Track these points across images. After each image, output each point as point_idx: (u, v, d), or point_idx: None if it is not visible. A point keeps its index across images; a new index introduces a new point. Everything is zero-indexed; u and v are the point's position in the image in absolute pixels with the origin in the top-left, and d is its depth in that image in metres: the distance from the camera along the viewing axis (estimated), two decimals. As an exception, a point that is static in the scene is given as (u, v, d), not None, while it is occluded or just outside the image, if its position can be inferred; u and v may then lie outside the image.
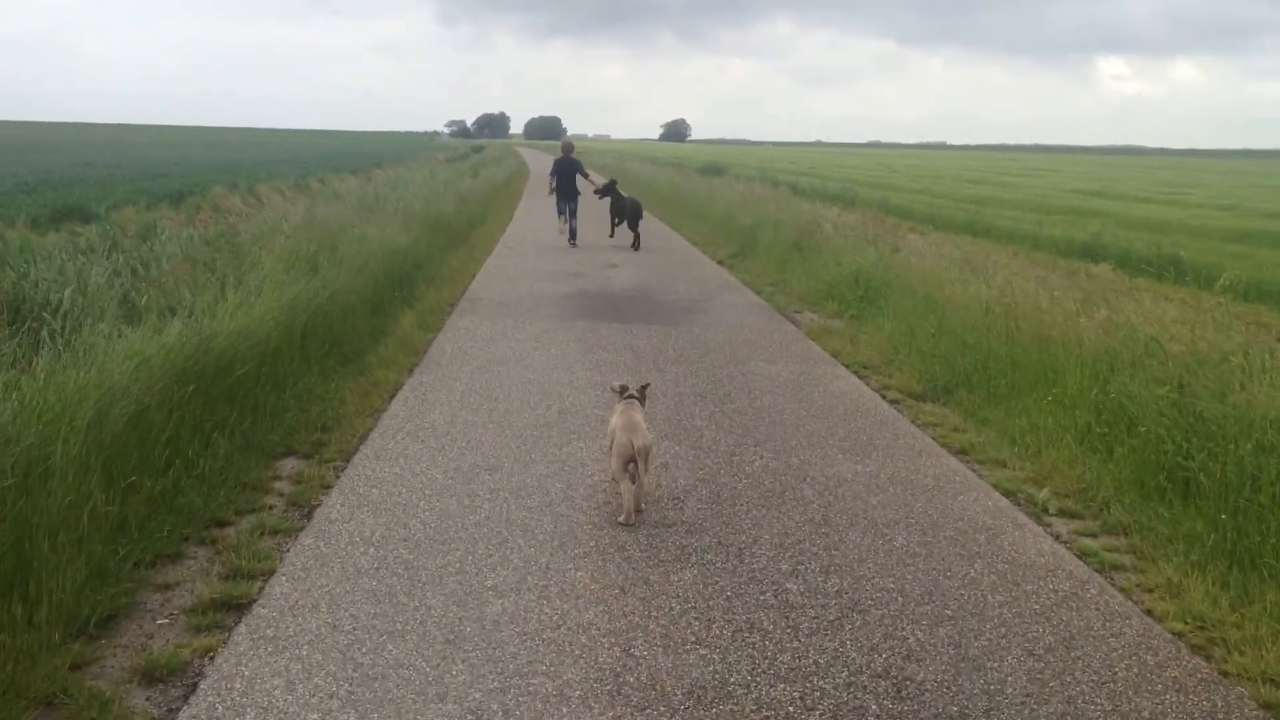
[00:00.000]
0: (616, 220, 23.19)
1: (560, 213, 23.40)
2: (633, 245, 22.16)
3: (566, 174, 23.13)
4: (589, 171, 24.52)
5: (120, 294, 10.17)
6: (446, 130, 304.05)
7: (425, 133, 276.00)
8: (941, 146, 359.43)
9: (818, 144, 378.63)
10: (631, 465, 6.58)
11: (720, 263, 20.43)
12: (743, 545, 6.23)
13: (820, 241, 18.86)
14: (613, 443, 6.76)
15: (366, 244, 15.22)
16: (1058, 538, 6.60)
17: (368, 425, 8.56)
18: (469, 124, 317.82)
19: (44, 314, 8.34)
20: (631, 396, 7.23)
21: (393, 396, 9.50)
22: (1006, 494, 7.39)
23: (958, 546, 6.31)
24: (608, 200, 23.53)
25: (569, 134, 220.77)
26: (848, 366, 11.41)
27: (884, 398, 10.13)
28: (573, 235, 22.91)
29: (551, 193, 23.61)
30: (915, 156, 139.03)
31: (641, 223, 22.74)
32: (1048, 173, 72.43)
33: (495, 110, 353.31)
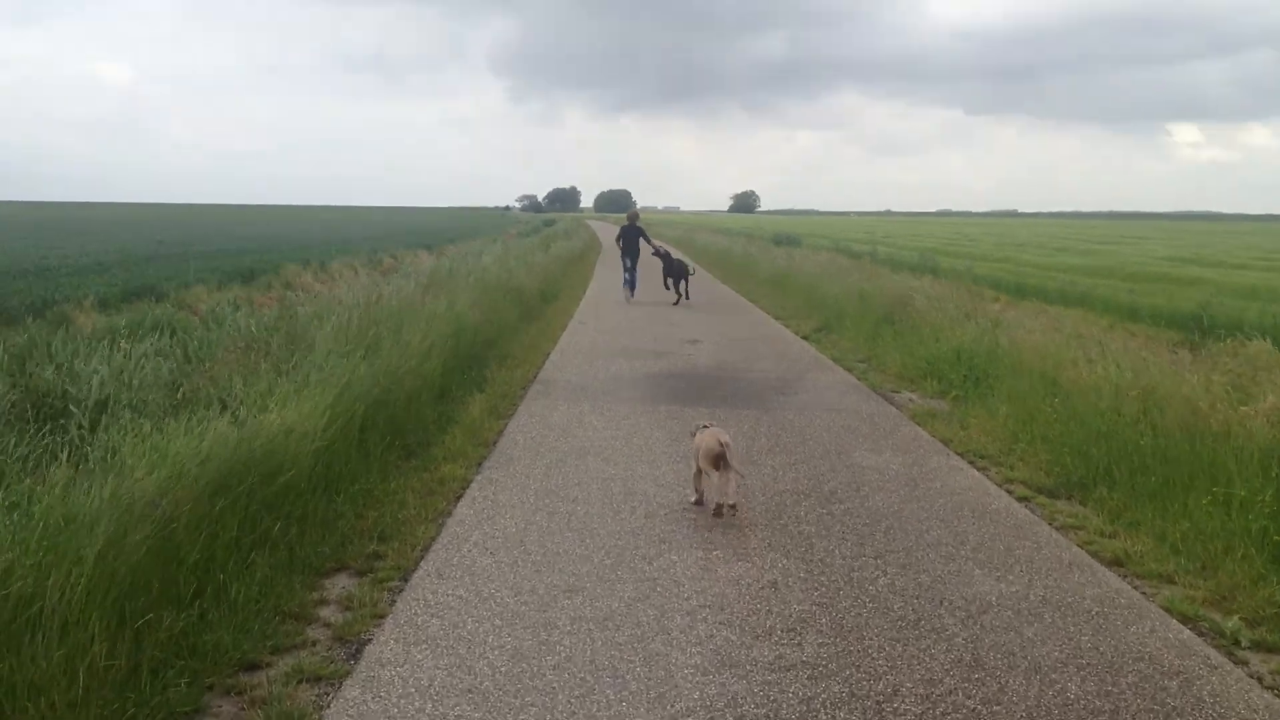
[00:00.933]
0: (669, 280, 26.38)
1: (624, 267, 27.03)
2: (682, 298, 25.75)
3: (631, 237, 27.06)
4: (649, 236, 27.93)
5: (169, 383, 9.36)
6: (518, 204, 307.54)
7: (497, 207, 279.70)
8: (1013, 214, 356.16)
9: (887, 213, 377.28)
10: (721, 461, 7.91)
11: (805, 338, 19.35)
12: (881, 697, 5.09)
13: (913, 315, 17.72)
14: (699, 450, 8.22)
15: (434, 322, 14.38)
16: (1261, 681, 5.39)
17: (430, 533, 7.56)
18: (540, 198, 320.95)
19: (71, 407, 7.49)
20: (719, 433, 8.25)
21: (459, 497, 8.50)
22: (1186, 621, 6.17)
23: (1147, 698, 5.11)
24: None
25: (638, 206, 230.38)
26: (962, 456, 10.24)
27: (1009, 493, 8.94)
28: (632, 288, 26.54)
29: (622, 259, 27.33)
30: (988, 224, 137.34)
31: (685, 282, 26.09)
32: (1134, 240, 70.48)
33: (566, 184, 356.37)
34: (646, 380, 14.25)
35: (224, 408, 8.38)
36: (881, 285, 21.60)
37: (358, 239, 61.46)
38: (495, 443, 10.43)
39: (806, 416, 11.94)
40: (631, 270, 26.74)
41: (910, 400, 13.40)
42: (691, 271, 26.78)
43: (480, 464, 9.58)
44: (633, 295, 26.18)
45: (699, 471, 8.27)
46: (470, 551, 7.17)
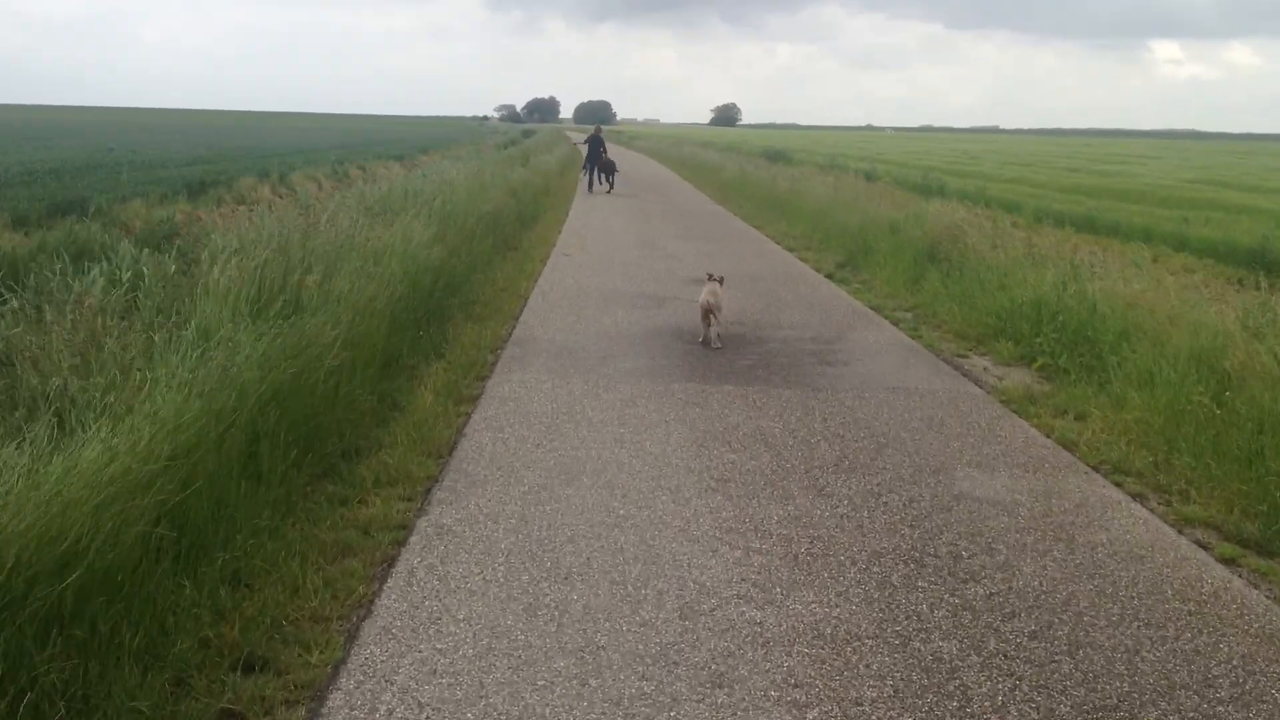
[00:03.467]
0: (606, 175, 33.71)
1: (586, 170, 34.37)
2: (608, 190, 33.15)
3: (594, 145, 33.57)
4: (605, 146, 34.17)
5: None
6: (496, 115, 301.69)
7: (475, 117, 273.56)
8: (994, 131, 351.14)
9: (868, 128, 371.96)
10: (710, 316, 11.01)
11: (831, 277, 16.34)
12: None
13: (965, 253, 14.71)
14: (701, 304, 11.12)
15: (382, 263, 11.31)
16: None
17: (335, 653, 4.61)
18: (519, 109, 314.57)
19: None
20: (715, 279, 11.48)
21: (388, 566, 5.53)
22: None
23: None
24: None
25: (618, 117, 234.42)
26: (1103, 473, 7.35)
27: (1204, 549, 6.07)
28: (589, 185, 33.60)
29: (584, 161, 34.95)
30: (977, 140, 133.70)
31: (613, 176, 33.68)
32: (1139, 159, 67.26)
33: (545, 95, 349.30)
34: (650, 340, 11.25)
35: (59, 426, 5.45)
36: (915, 213, 18.51)
37: (326, 148, 57.95)
38: (452, 450, 7.42)
39: (867, 401, 8.99)
40: (590, 170, 33.95)
41: (988, 371, 10.50)
42: (615, 170, 34.15)
43: (428, 493, 6.58)
44: (589, 191, 33.12)
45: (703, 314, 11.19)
46: (394, 701, 4.24)
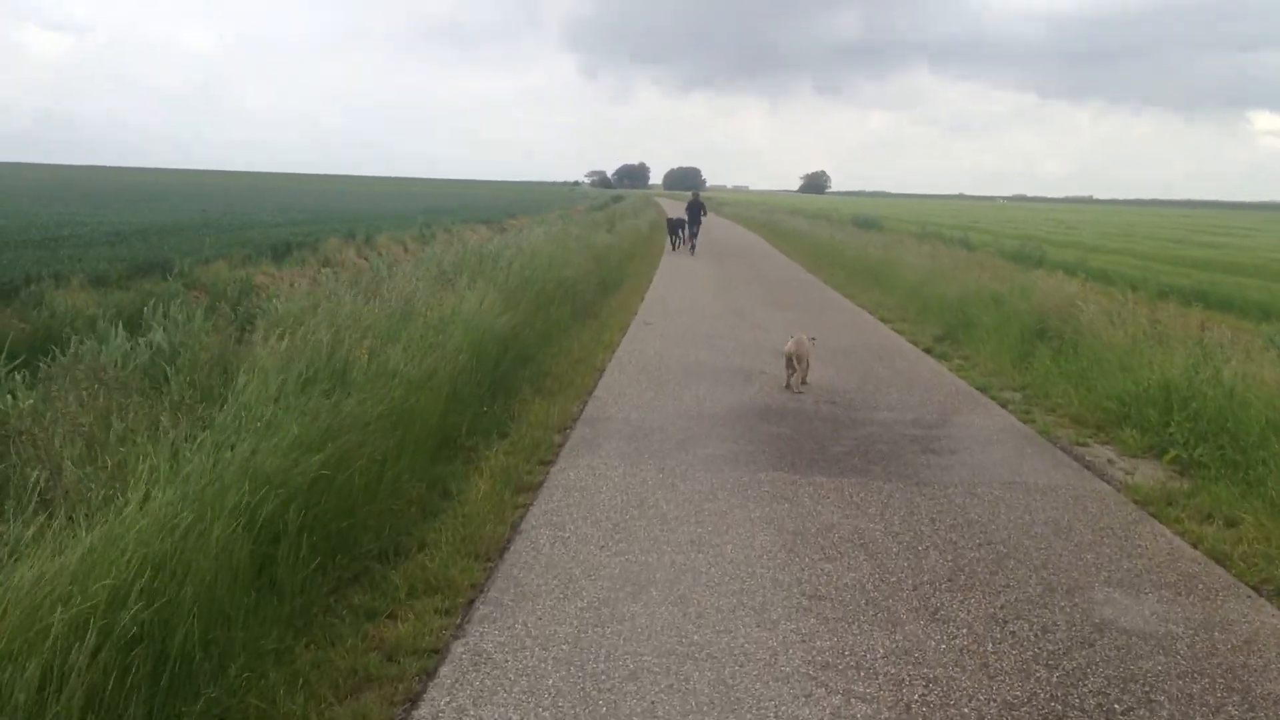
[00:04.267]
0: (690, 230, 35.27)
1: (674, 233, 36.13)
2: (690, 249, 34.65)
3: (694, 208, 34.95)
4: (703, 211, 35.93)
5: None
6: (587, 180, 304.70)
7: (566, 182, 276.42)
8: (1088, 200, 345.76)
9: (960, 196, 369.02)
10: (795, 363, 11.77)
11: (929, 352, 15.22)
12: None
13: (1079, 329, 13.51)
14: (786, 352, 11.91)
15: (447, 331, 10.52)
16: None
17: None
18: (609, 174, 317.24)
19: None
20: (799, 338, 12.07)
21: (413, 704, 4.57)
22: None
23: None
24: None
25: (708, 184, 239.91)
26: (1274, 601, 6.15)
27: None
28: (692, 246, 34.89)
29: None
30: (1071, 210, 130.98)
31: (695, 236, 35.12)
32: (1250, 231, 64.89)
33: (635, 160, 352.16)
34: (734, 420, 10.26)
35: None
36: (1020, 285, 17.33)
37: (416, 211, 58.22)
38: (503, 552, 6.48)
39: (981, 499, 7.89)
40: (693, 235, 34.96)
41: (1113, 463, 9.32)
42: (698, 223, 35.24)
43: (469, 607, 5.64)
44: (692, 251, 34.38)
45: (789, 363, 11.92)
46: None
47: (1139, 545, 6.97)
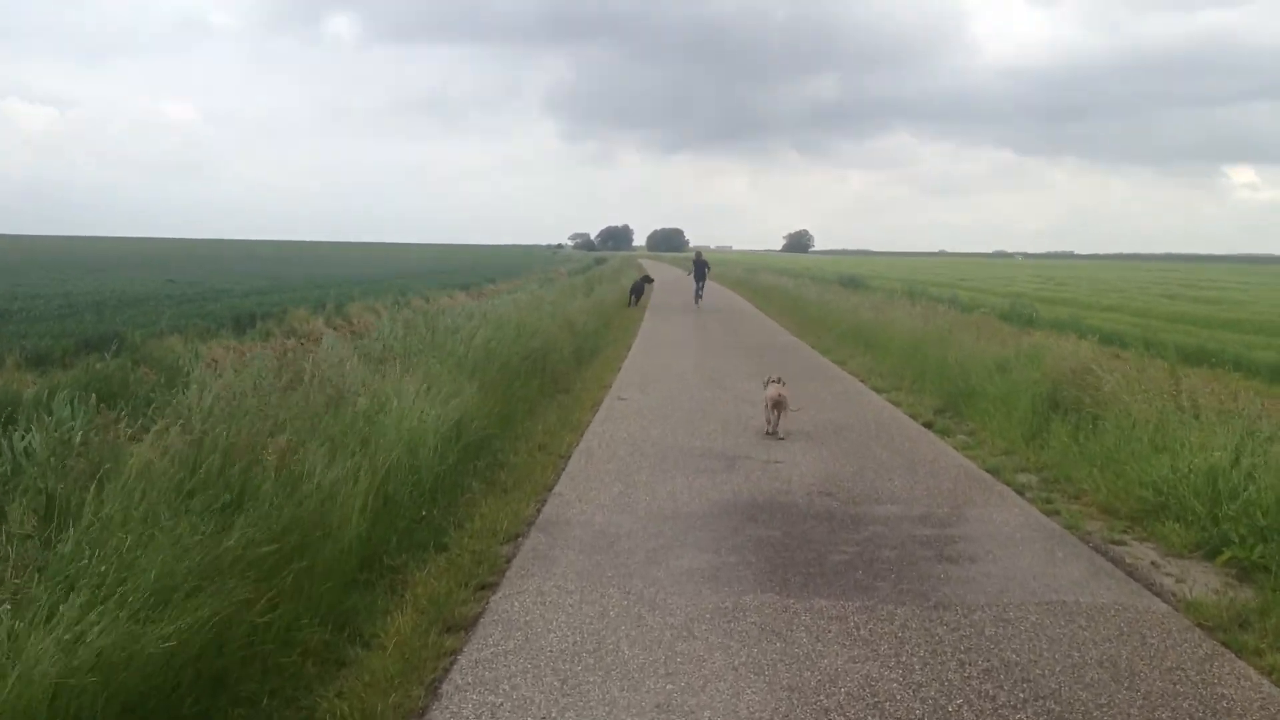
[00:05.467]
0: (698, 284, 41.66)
1: (697, 289, 41.30)
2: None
3: (699, 265, 41.74)
4: (706, 269, 42.22)
5: None
6: (571, 242, 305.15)
7: (549, 245, 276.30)
8: (1068, 256, 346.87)
9: (941, 253, 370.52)
10: (775, 409, 12.72)
11: (930, 426, 13.83)
12: None
13: (1100, 402, 12.14)
14: (767, 399, 13.02)
15: (381, 422, 9.11)
16: None
17: None
18: (592, 236, 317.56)
19: None
20: (776, 381, 13.35)
21: None
22: None
23: None
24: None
25: (691, 244, 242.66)
26: None
27: None
28: (698, 297, 40.94)
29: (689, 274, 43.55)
30: (1045, 266, 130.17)
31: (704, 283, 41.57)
32: (1243, 285, 63.98)
33: (619, 223, 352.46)
34: (714, 521, 8.81)
35: None
36: (1026, 350, 15.97)
37: (393, 277, 57.07)
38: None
39: (1015, 627, 6.45)
40: (700, 289, 41.28)
41: (1159, 567, 7.93)
42: (704, 278, 41.87)
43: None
44: (698, 305, 39.64)
45: (766, 408, 13.10)
46: None
47: (1221, 693, 5.53)
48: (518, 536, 8.27)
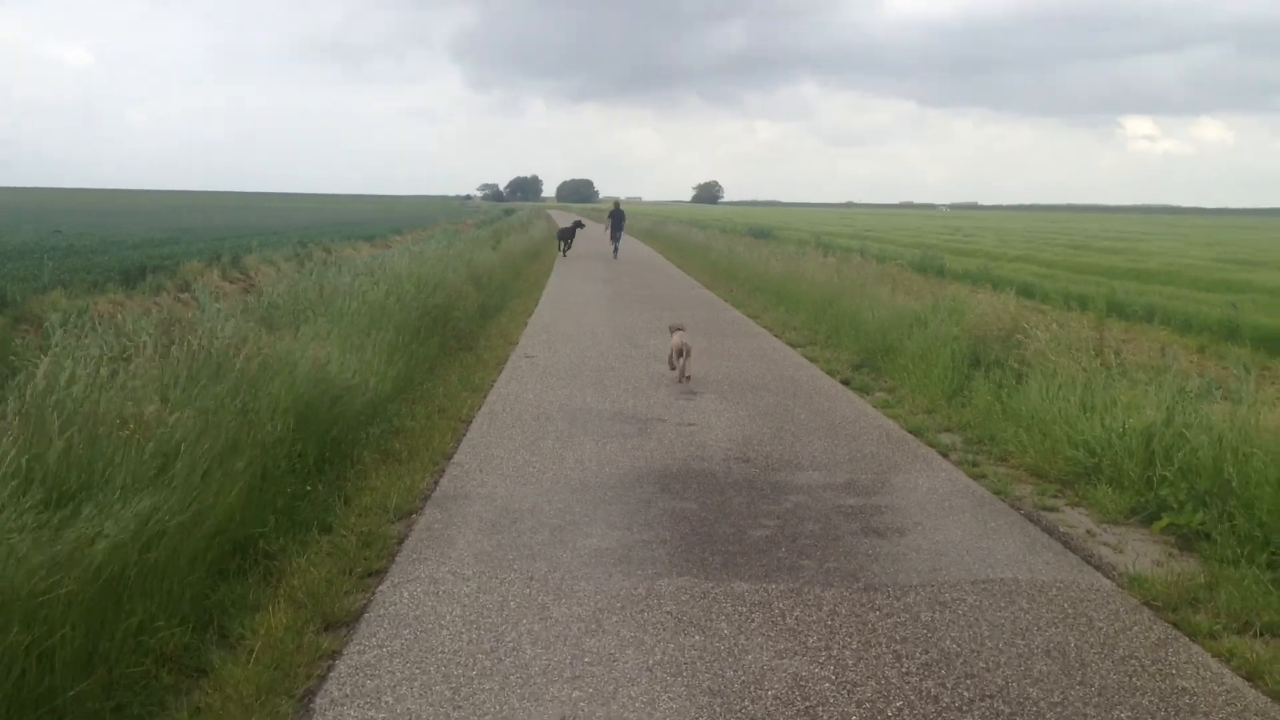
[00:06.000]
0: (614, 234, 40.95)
1: (613, 239, 40.75)
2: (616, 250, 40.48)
3: (617, 217, 41.16)
4: (622, 219, 41.69)
5: None
6: (479, 193, 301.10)
7: (457, 196, 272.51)
8: (973, 207, 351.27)
9: (849, 204, 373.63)
10: (680, 356, 12.91)
11: (848, 383, 13.35)
12: None
13: (1025, 358, 11.72)
14: (672, 348, 13.19)
15: (262, 389, 8.30)
16: None
17: None
18: (501, 187, 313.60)
19: None
20: (680, 328, 13.58)
21: None
22: None
23: None
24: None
25: (601, 195, 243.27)
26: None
27: None
28: (616, 247, 40.64)
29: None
30: (951, 218, 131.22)
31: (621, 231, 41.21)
32: (1145, 236, 64.77)
33: (528, 173, 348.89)
34: (626, 492, 8.19)
35: None
36: (943, 303, 15.54)
37: (295, 228, 55.24)
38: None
39: (951, 610, 5.93)
40: (617, 239, 40.92)
41: (1095, 536, 7.54)
42: (620, 228, 41.41)
43: None
44: (615, 254, 40.07)
45: (671, 356, 13.32)
46: None
47: (1181, 686, 5.05)
48: (411, 513, 7.56)
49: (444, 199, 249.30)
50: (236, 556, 6.37)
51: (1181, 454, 8.24)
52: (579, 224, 44.35)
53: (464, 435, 9.99)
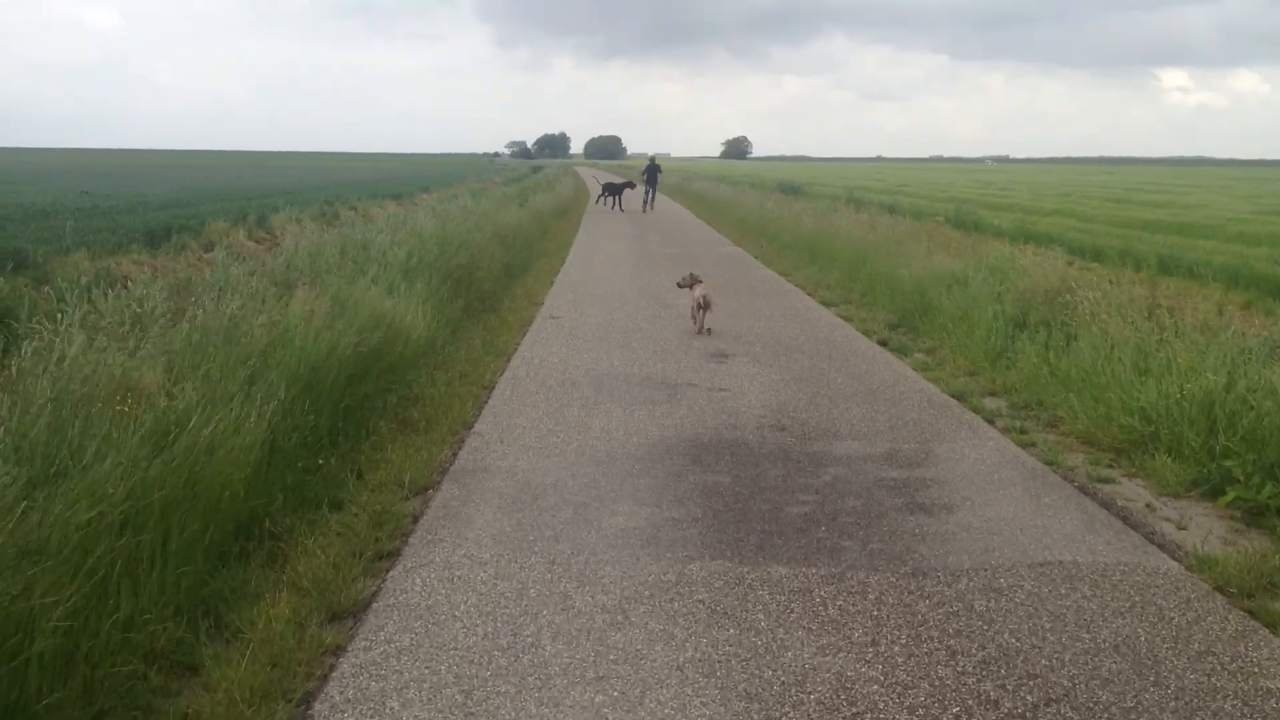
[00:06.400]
0: (648, 191, 41.95)
1: (648, 193, 41.63)
2: (648, 206, 41.22)
3: (653, 171, 42.27)
4: (657, 174, 42.77)
5: None
6: (507, 151, 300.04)
7: (485, 154, 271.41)
8: (1005, 160, 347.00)
9: (879, 159, 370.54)
10: (702, 309, 13.10)
11: (886, 345, 12.83)
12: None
13: (1076, 321, 11.13)
14: (694, 300, 13.35)
15: (273, 356, 7.89)
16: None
17: None
18: (529, 144, 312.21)
19: None
20: (697, 280, 13.86)
21: None
22: None
23: None
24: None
25: (629, 152, 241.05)
26: None
27: None
28: (651, 202, 41.53)
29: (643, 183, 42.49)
30: (983, 171, 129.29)
31: (653, 195, 41.92)
32: (1184, 188, 63.34)
33: (555, 130, 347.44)
34: (654, 465, 7.75)
35: None
36: (990, 263, 14.95)
37: (322, 186, 54.87)
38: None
39: (1008, 599, 5.45)
40: (652, 193, 42.05)
41: (1155, 511, 7.03)
42: (656, 182, 42.57)
43: None
44: (651, 206, 41.23)
45: (693, 310, 13.50)
46: None
47: (1266, 688, 4.58)
48: (427, 489, 7.15)
49: (472, 156, 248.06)
50: (240, 538, 5.97)
51: (1246, 421, 7.73)
52: (630, 184, 44.46)
53: (486, 403, 9.56)
